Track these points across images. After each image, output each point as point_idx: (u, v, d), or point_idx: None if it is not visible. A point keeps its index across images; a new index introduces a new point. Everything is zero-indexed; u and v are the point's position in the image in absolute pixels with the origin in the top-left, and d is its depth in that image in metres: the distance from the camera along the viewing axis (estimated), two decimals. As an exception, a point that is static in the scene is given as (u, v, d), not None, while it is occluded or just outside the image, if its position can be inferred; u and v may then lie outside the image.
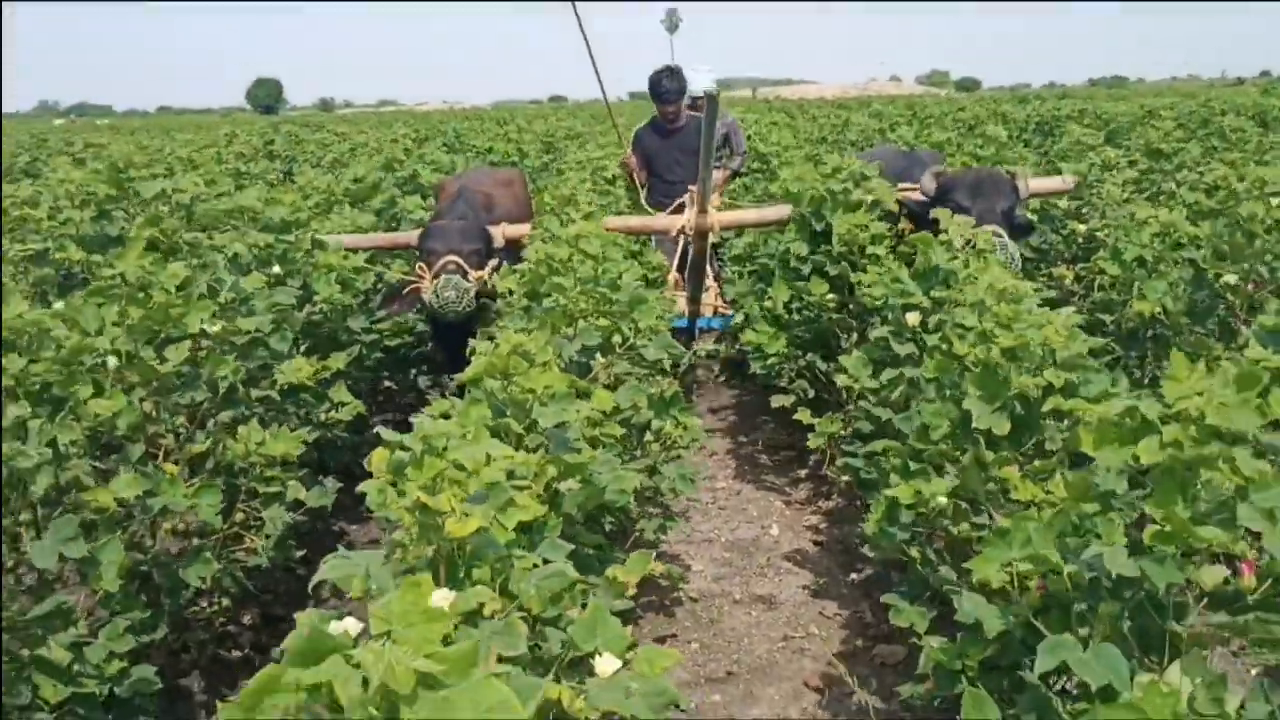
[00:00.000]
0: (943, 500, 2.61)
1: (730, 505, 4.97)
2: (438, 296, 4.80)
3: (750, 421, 6.01)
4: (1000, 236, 4.50)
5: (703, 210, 5.25)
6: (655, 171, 7.11)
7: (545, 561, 2.26)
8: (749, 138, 9.93)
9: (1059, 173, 6.31)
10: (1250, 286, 4.12)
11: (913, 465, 2.65)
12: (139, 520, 2.97)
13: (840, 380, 3.83)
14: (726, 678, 3.54)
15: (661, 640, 3.77)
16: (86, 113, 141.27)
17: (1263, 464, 1.95)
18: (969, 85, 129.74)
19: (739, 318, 5.36)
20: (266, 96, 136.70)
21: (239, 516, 3.37)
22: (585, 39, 7.10)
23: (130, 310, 3.33)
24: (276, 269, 4.65)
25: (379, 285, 5.50)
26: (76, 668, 2.59)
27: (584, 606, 2.22)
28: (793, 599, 4.03)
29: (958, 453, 2.69)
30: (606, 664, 2.13)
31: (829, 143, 13.72)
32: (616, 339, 3.70)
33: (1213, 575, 2.10)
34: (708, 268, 6.09)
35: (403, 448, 2.14)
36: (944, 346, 2.96)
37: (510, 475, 2.33)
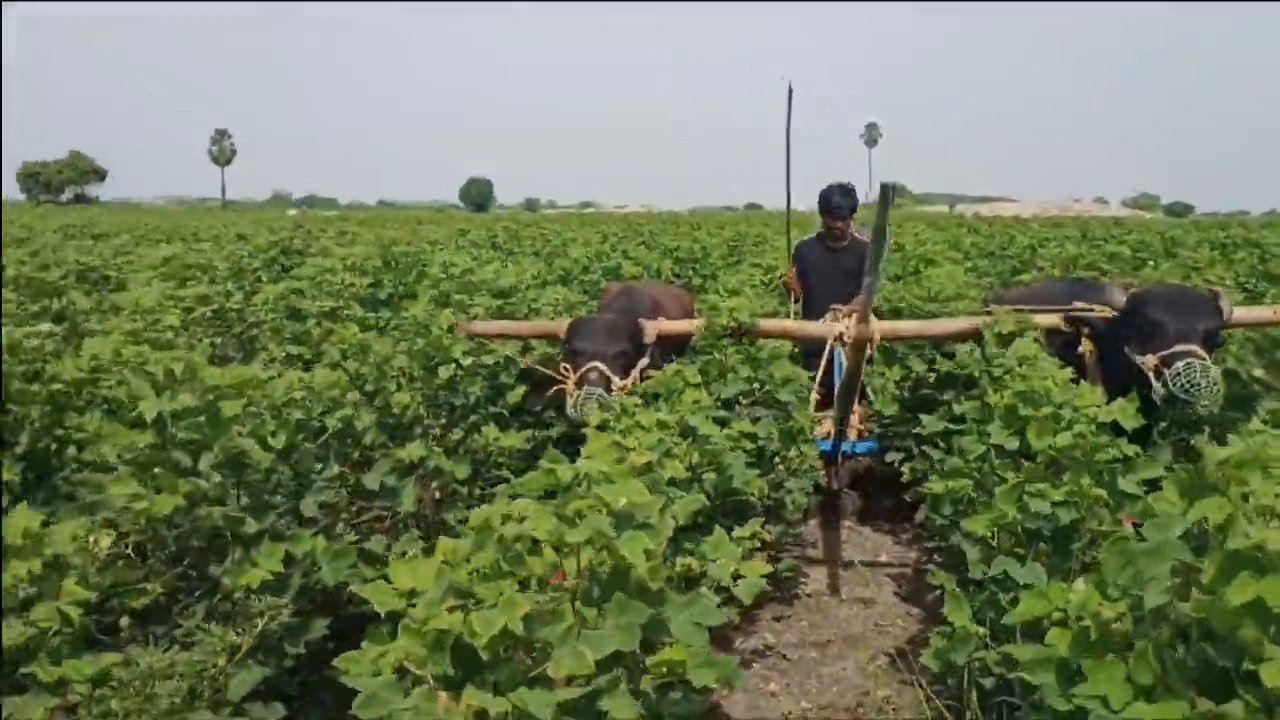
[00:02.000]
0: (970, 493, 3.74)
1: (852, 540, 6.08)
2: (578, 410, 4.62)
3: (879, 480, 7.10)
4: (1203, 360, 4.34)
5: (864, 319, 4.85)
6: (812, 288, 6.97)
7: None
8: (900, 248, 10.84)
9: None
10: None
11: (947, 467, 3.79)
12: (419, 475, 4.38)
13: (917, 429, 4.96)
14: (825, 644, 4.67)
15: (778, 619, 4.93)
16: (314, 204, 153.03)
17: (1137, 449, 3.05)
18: (1180, 210, 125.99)
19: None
20: (478, 194, 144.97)
21: (479, 490, 4.76)
22: (788, 135, 6.74)
23: (417, 340, 4.83)
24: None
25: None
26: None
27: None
28: (886, 600, 5.12)
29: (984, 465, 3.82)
30: (721, 563, 3.37)
31: (994, 255, 14.68)
32: (756, 385, 4.95)
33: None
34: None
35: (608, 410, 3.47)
36: (985, 398, 4.10)
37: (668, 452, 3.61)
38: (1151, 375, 4.43)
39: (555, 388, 4.95)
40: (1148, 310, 4.61)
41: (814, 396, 5.64)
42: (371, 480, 3.90)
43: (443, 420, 4.80)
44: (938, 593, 4.42)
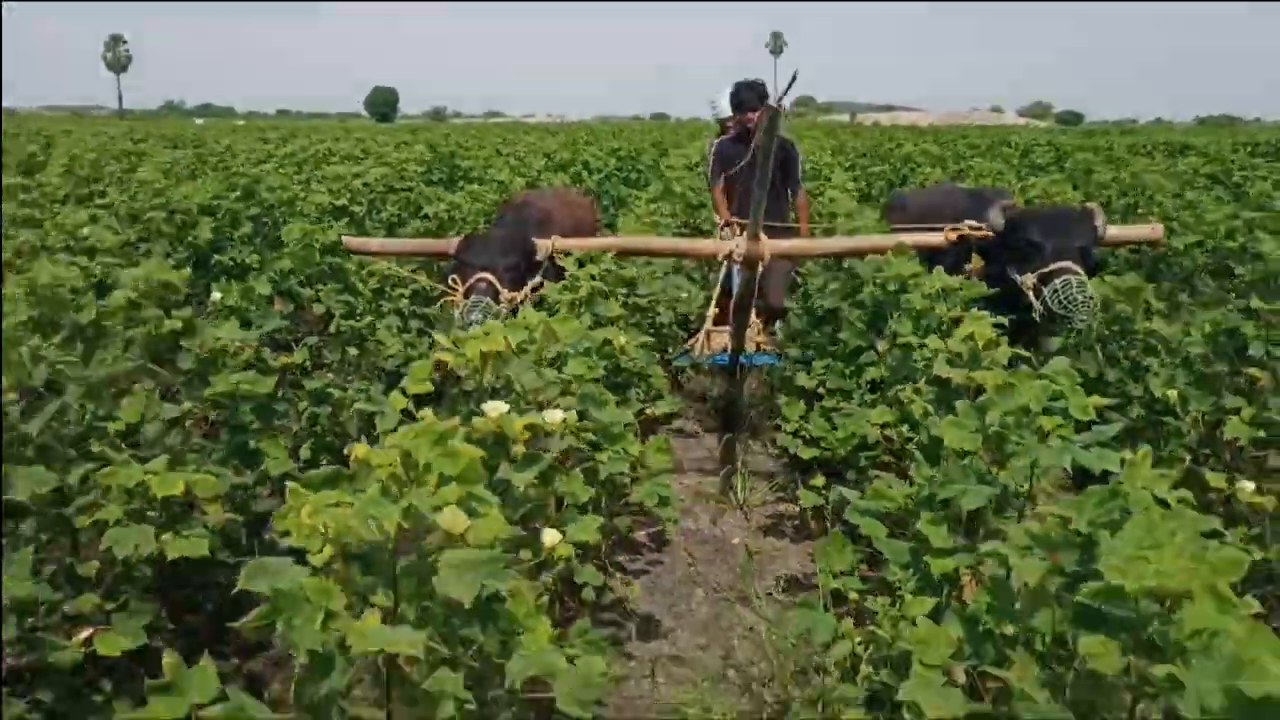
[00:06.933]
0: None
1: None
2: (464, 318, 4.54)
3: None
4: (1077, 274, 4.42)
5: (754, 237, 4.63)
6: (739, 187, 6.85)
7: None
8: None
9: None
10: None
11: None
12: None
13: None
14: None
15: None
16: (211, 113, 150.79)
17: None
18: (1070, 119, 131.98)
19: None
20: (384, 104, 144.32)
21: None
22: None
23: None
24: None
25: None
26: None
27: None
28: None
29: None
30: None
31: (867, 156, 18.38)
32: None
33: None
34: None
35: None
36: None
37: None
38: (1030, 294, 4.56)
39: (443, 300, 4.88)
40: (1025, 231, 4.69)
41: (711, 311, 5.85)
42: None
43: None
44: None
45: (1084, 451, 2.38)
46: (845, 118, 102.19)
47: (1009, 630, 2.01)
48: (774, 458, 5.66)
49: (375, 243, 5.53)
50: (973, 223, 5.00)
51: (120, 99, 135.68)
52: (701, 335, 5.89)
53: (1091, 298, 4.31)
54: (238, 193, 6.63)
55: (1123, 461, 2.25)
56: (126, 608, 2.61)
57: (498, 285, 4.72)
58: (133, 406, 2.79)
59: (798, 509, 5.05)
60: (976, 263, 4.87)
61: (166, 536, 2.60)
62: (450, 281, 4.85)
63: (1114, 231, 5.02)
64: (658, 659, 3.66)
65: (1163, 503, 1.93)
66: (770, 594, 4.06)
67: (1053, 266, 4.48)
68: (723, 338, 5.85)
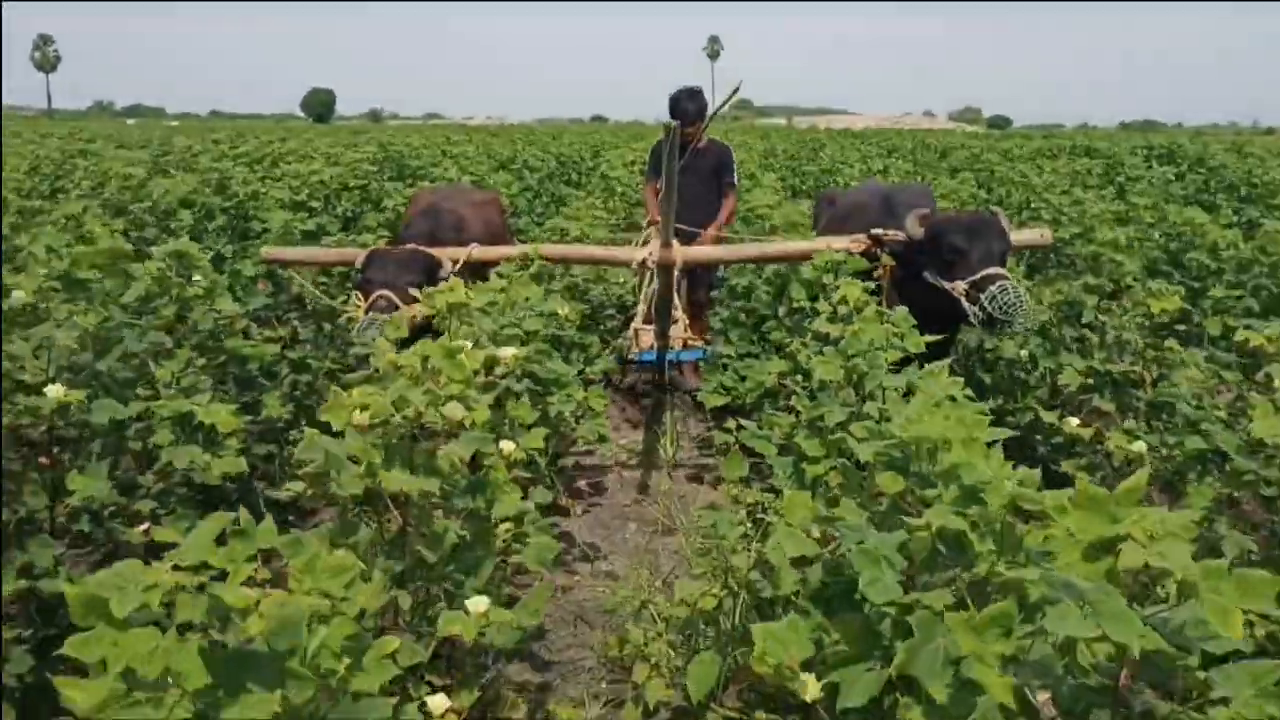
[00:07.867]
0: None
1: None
2: (360, 335, 4.51)
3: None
4: (1009, 279, 4.49)
5: (666, 244, 4.83)
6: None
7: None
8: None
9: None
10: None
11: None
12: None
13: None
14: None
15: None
16: (141, 114, 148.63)
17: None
18: (1000, 123, 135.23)
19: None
20: (321, 105, 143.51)
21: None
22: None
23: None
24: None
25: None
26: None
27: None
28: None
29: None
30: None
31: (796, 158, 19.33)
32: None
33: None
34: (675, 300, 5.80)
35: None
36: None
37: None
38: (964, 300, 4.57)
39: (345, 317, 4.80)
40: (949, 238, 4.70)
41: (641, 308, 5.92)
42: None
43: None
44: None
45: (918, 380, 3.18)
46: (782, 121, 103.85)
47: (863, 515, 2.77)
48: (700, 421, 6.43)
49: (293, 252, 5.64)
50: (879, 231, 5.05)
51: (49, 99, 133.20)
52: (630, 333, 6.01)
53: (1025, 300, 4.42)
54: (210, 188, 7.24)
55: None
56: (175, 513, 3.29)
57: (398, 303, 4.68)
58: (176, 361, 3.48)
59: (720, 462, 5.82)
60: (887, 262, 4.99)
61: (207, 457, 3.29)
62: (355, 299, 4.89)
63: (1013, 236, 5.07)
64: (598, 575, 4.41)
65: (952, 398, 2.71)
66: (696, 524, 4.82)
67: (983, 273, 4.53)
68: (650, 335, 5.94)
